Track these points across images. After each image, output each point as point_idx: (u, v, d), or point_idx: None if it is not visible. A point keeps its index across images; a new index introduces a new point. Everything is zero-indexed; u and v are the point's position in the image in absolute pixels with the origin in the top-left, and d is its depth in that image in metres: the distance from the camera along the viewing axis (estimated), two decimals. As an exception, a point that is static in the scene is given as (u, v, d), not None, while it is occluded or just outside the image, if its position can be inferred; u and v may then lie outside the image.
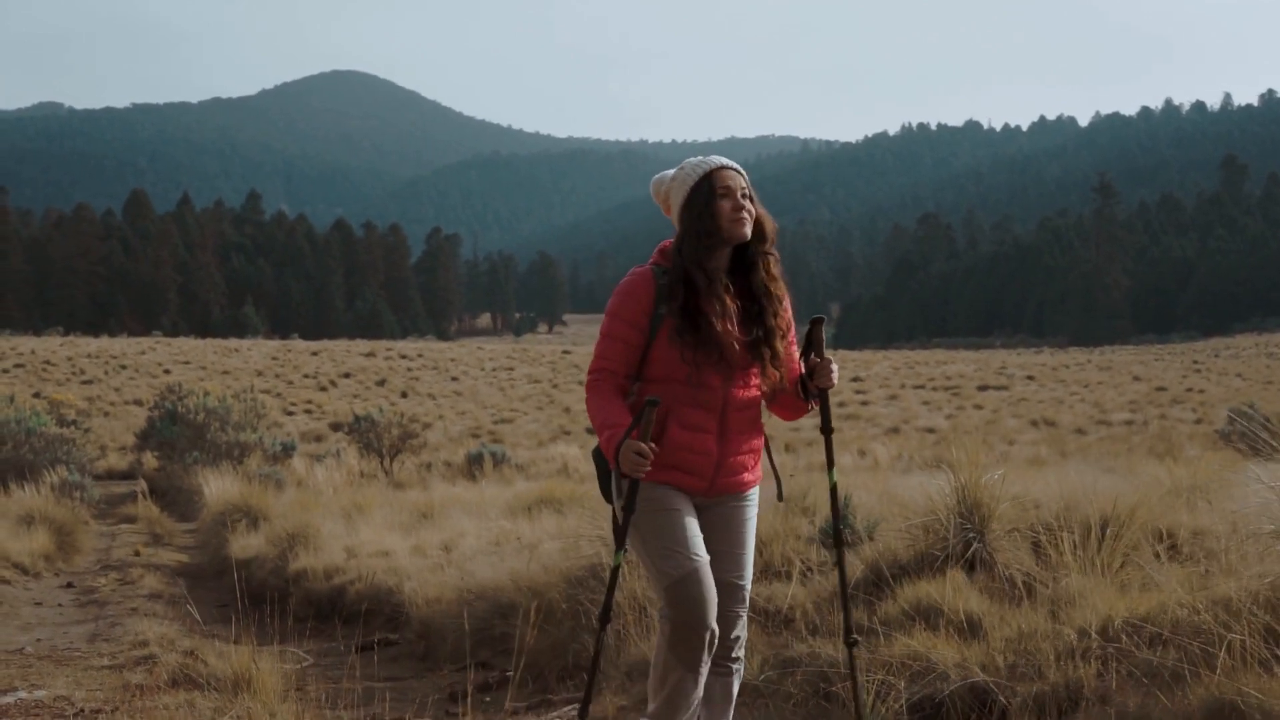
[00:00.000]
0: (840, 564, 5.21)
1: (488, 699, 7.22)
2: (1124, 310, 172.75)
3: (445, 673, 7.95)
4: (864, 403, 52.12)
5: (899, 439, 34.25)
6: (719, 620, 4.72)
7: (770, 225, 4.82)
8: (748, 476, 4.91)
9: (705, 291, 4.70)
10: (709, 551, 4.78)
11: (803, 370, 4.89)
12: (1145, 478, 8.56)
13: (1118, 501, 6.77)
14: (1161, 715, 4.94)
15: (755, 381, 4.83)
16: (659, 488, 4.75)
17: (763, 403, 4.96)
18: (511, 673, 7.02)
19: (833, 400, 4.76)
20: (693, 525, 4.75)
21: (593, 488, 10.01)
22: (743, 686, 5.22)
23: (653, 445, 4.58)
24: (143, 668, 8.17)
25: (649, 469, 4.58)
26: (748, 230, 4.74)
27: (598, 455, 5.02)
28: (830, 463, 5.18)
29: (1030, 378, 69.77)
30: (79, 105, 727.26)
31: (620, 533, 4.84)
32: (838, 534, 5.12)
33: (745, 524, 4.93)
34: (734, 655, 4.87)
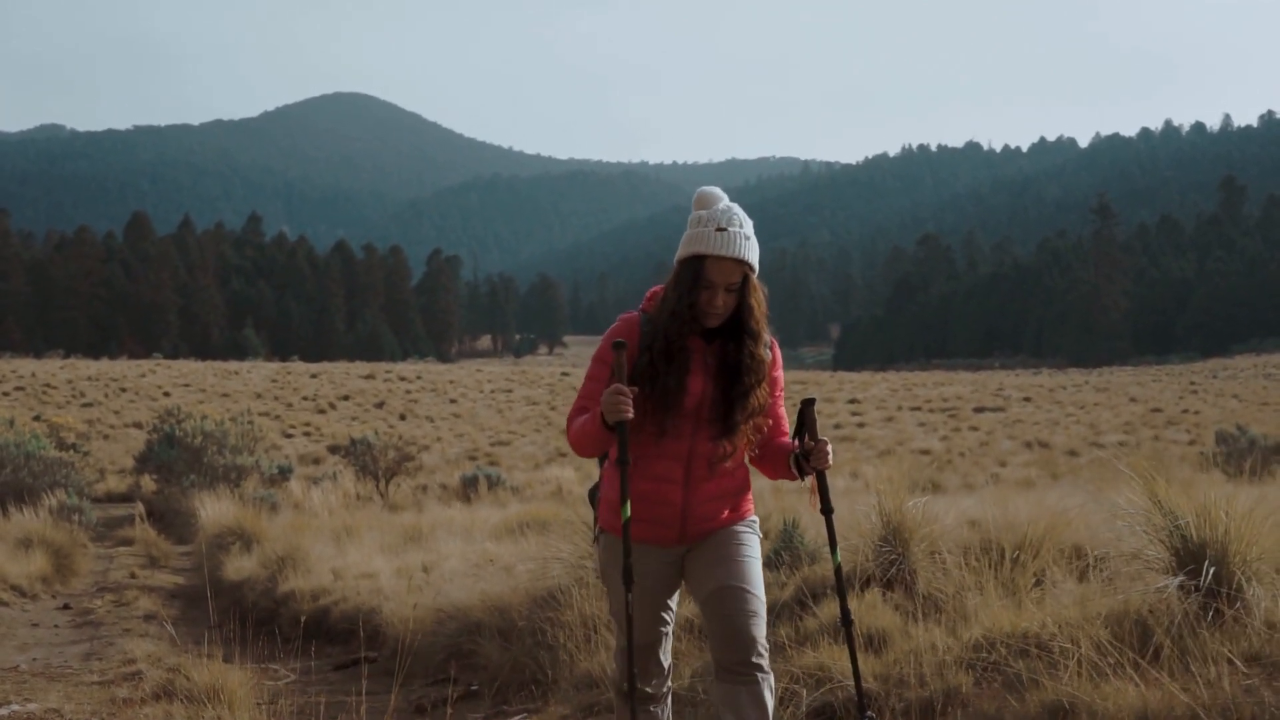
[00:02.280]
0: (851, 648, 5.12)
1: (451, 711, 7.53)
2: (1123, 331, 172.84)
3: (417, 687, 8.26)
4: (860, 425, 52.28)
5: (892, 461, 34.41)
6: (731, 627, 4.69)
7: (756, 314, 4.75)
8: (728, 516, 4.88)
9: (666, 354, 4.70)
10: (706, 569, 4.81)
11: (797, 449, 4.85)
12: (1103, 501, 8.83)
13: (1030, 526, 7.16)
14: (1010, 717, 5.40)
15: (739, 437, 4.83)
16: (631, 548, 4.76)
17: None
18: (476, 686, 7.37)
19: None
20: (655, 601, 4.92)
21: (577, 509, 10.25)
22: (673, 695, 5.50)
23: (634, 389, 4.61)
24: (130, 683, 8.46)
25: (630, 409, 4.56)
26: (715, 323, 4.73)
27: (592, 495, 5.17)
28: (833, 544, 5.07)
29: (1027, 399, 69.91)
30: (80, 127, 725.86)
31: (625, 543, 4.77)
32: (845, 617, 5.07)
33: (736, 535, 4.87)
34: (754, 662, 4.70)
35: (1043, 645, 5.77)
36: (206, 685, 6.77)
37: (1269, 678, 5.21)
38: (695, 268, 4.67)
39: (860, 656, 5.62)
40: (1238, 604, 5.70)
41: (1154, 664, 5.30)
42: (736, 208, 4.75)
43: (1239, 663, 5.31)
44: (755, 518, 5.05)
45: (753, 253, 4.71)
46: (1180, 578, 5.87)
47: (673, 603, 5.02)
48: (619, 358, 4.66)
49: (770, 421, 4.92)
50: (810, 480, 4.92)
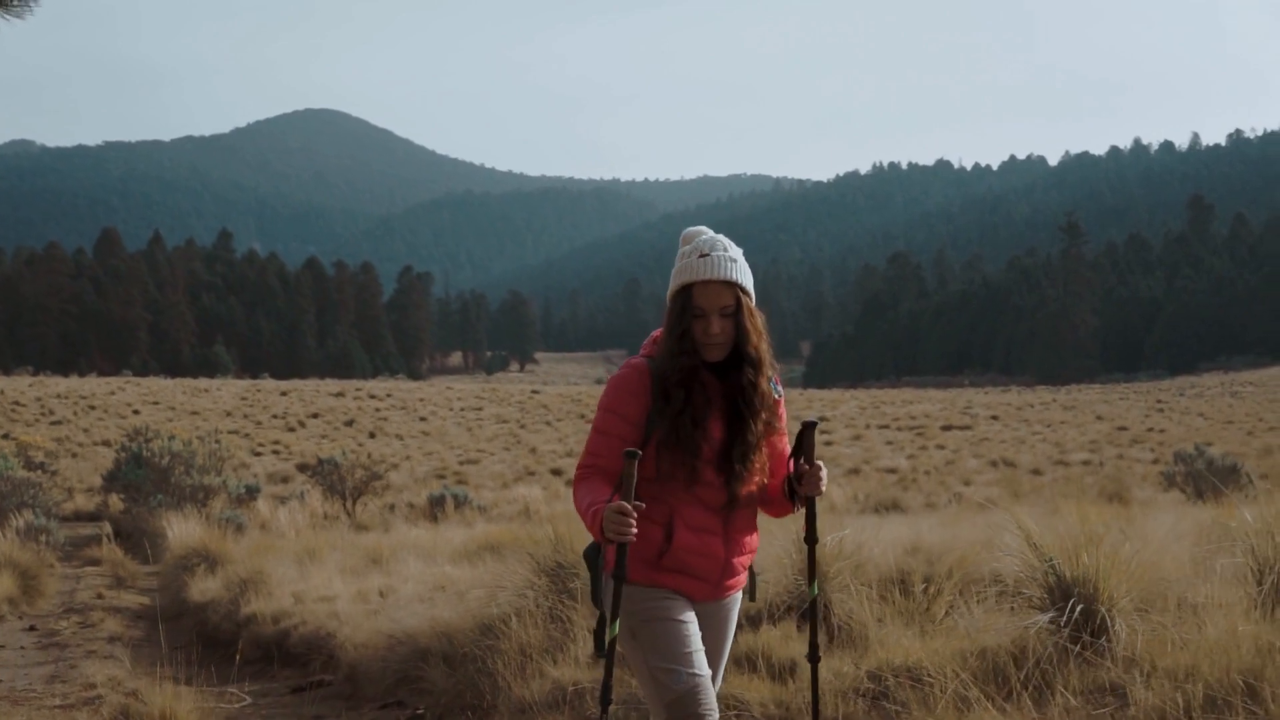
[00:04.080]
0: (814, 676, 5.00)
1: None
2: (1092, 349, 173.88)
3: (367, 711, 8.48)
4: (828, 443, 52.50)
5: (858, 480, 34.62)
6: None
7: (753, 340, 4.53)
8: (742, 577, 4.71)
9: (679, 396, 4.46)
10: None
11: (791, 472, 4.62)
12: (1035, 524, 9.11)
13: (938, 561, 7.49)
14: (884, 741, 5.80)
15: (756, 477, 4.61)
16: (664, 594, 4.51)
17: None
18: (421, 711, 7.59)
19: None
20: (696, 639, 4.51)
21: (536, 531, 10.44)
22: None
23: (638, 504, 4.30)
24: (89, 707, 8.64)
25: (634, 530, 4.26)
26: (718, 354, 4.52)
27: (589, 555, 4.70)
28: (812, 575, 4.87)
29: (994, 417, 70.30)
30: (50, 143, 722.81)
31: (615, 603, 4.45)
32: (813, 652, 4.91)
33: (730, 625, 4.77)
34: None
35: (923, 676, 6.11)
36: (160, 710, 6.96)
37: (1120, 707, 5.59)
38: (684, 298, 4.51)
39: (766, 685, 5.91)
40: (1102, 638, 6.11)
41: (1020, 694, 5.70)
42: (721, 236, 4.61)
43: (1093, 693, 5.75)
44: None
45: (743, 275, 4.54)
46: (1051, 613, 6.29)
47: None
48: (629, 467, 4.34)
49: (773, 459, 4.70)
50: (800, 507, 4.72)
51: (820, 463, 4.57)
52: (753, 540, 4.71)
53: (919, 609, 7.25)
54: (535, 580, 8.52)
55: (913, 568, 7.82)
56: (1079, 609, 6.18)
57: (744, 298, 4.53)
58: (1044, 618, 6.29)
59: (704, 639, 4.57)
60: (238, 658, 10.20)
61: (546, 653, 7.61)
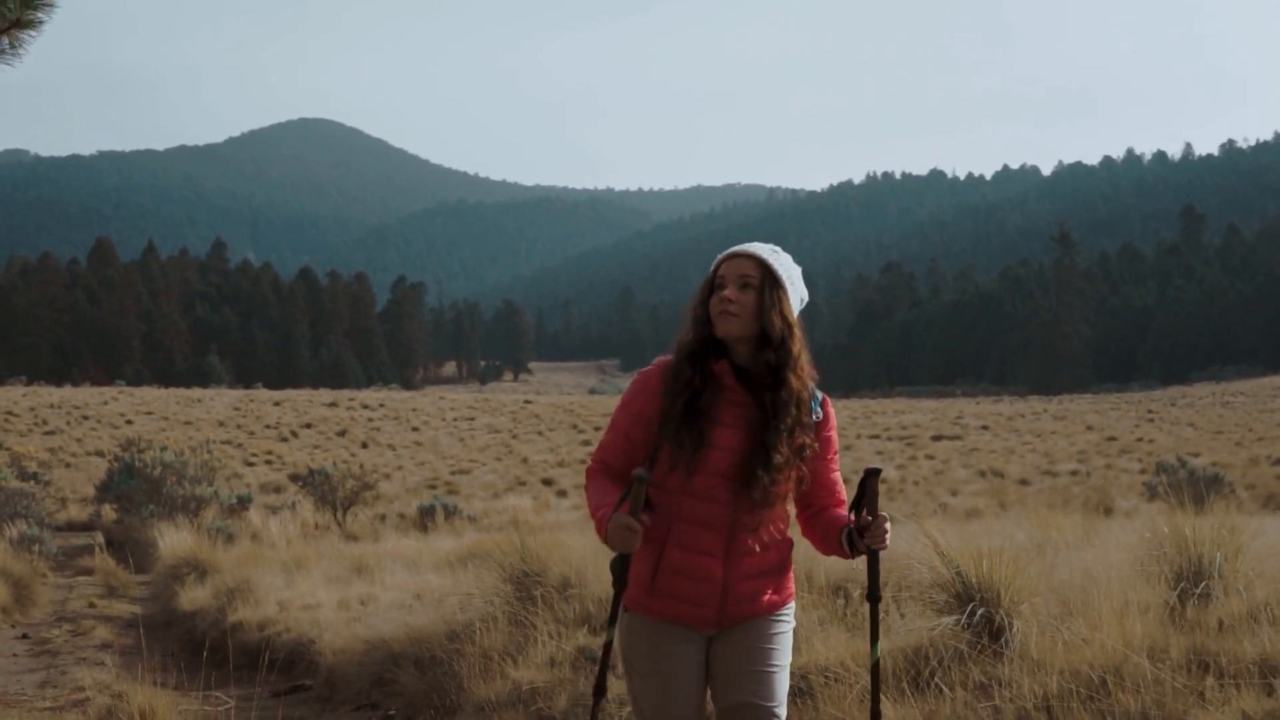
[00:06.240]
0: None
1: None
2: (1084, 359, 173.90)
3: (343, 713, 8.75)
4: (817, 452, 52.62)
5: (846, 491, 34.78)
6: None
7: (779, 323, 4.23)
8: (770, 598, 4.34)
9: (686, 394, 4.20)
10: (733, 675, 4.27)
11: (852, 522, 4.23)
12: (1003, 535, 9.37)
13: (885, 566, 7.88)
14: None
15: (780, 493, 4.27)
16: (657, 630, 4.30)
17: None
18: (393, 712, 7.87)
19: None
20: (689, 688, 4.29)
21: (513, 539, 10.66)
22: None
23: (644, 520, 4.07)
24: (78, 709, 8.90)
25: (638, 544, 4.06)
26: (732, 328, 4.21)
27: (618, 567, 4.27)
28: (874, 637, 4.47)
29: (985, 427, 70.42)
30: (44, 153, 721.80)
31: (614, 608, 4.33)
32: (875, 716, 4.46)
33: (771, 638, 4.33)
34: None
35: (838, 674, 6.54)
36: (141, 709, 7.23)
37: (995, 702, 6.04)
38: (711, 275, 4.29)
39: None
40: (1000, 639, 6.57)
41: (907, 689, 6.17)
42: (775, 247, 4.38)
43: (980, 688, 6.22)
44: (794, 603, 4.52)
45: (779, 265, 4.27)
46: (956, 616, 6.74)
47: (705, 694, 4.39)
48: (637, 488, 4.06)
49: (813, 481, 4.36)
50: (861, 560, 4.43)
51: (885, 514, 4.23)
52: (772, 560, 4.35)
53: (854, 612, 7.65)
54: (502, 587, 8.85)
55: (858, 576, 8.15)
56: (979, 613, 6.65)
57: (771, 281, 4.25)
58: (949, 620, 6.73)
59: (731, 660, 4.30)
60: (204, 660, 10.44)
61: (508, 655, 7.95)
